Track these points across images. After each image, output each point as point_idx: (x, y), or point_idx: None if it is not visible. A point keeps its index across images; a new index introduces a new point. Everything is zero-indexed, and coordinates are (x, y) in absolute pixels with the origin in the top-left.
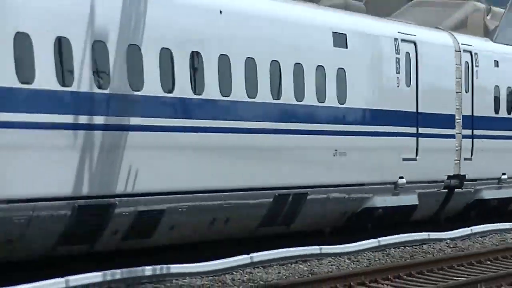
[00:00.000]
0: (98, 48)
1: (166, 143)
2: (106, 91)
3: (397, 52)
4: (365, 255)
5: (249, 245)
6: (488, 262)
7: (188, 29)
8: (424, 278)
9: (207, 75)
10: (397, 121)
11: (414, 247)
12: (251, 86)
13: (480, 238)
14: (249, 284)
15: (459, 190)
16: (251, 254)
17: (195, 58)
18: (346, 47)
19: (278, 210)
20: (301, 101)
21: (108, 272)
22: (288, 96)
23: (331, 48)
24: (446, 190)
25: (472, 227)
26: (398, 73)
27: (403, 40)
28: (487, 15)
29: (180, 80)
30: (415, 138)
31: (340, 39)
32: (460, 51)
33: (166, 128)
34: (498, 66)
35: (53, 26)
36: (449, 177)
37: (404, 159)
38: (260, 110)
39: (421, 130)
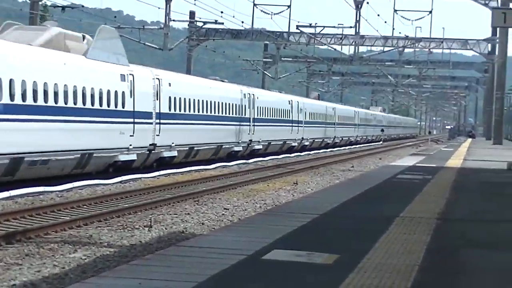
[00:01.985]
0: None
1: None
2: None
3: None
4: (0, 202)
5: None
6: (85, 206)
7: None
8: (49, 215)
9: None
10: (125, 116)
11: (34, 196)
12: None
13: (79, 190)
14: None
15: (154, 151)
16: None
17: None
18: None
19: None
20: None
21: None
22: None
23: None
24: (148, 151)
25: (73, 183)
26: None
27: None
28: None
29: None
30: (132, 124)
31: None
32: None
33: None
34: (170, 86)
35: None
36: (150, 144)
37: (130, 136)
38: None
39: (136, 120)
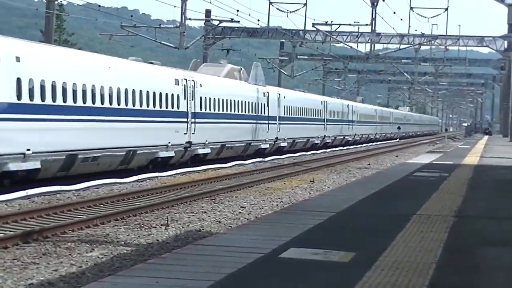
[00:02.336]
0: None
1: None
2: None
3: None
4: (17, 201)
5: None
6: (102, 205)
7: None
8: (66, 215)
9: None
10: (265, 119)
11: (51, 195)
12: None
13: (95, 189)
14: None
15: (276, 142)
16: None
17: None
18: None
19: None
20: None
21: None
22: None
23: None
24: (273, 142)
25: (90, 182)
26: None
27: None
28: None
29: None
30: (267, 124)
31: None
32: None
33: None
34: (285, 98)
35: None
36: (275, 137)
37: (266, 132)
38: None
39: (270, 122)
